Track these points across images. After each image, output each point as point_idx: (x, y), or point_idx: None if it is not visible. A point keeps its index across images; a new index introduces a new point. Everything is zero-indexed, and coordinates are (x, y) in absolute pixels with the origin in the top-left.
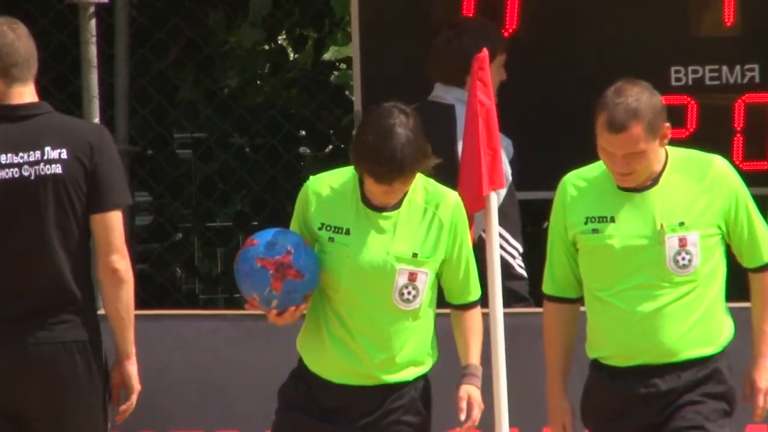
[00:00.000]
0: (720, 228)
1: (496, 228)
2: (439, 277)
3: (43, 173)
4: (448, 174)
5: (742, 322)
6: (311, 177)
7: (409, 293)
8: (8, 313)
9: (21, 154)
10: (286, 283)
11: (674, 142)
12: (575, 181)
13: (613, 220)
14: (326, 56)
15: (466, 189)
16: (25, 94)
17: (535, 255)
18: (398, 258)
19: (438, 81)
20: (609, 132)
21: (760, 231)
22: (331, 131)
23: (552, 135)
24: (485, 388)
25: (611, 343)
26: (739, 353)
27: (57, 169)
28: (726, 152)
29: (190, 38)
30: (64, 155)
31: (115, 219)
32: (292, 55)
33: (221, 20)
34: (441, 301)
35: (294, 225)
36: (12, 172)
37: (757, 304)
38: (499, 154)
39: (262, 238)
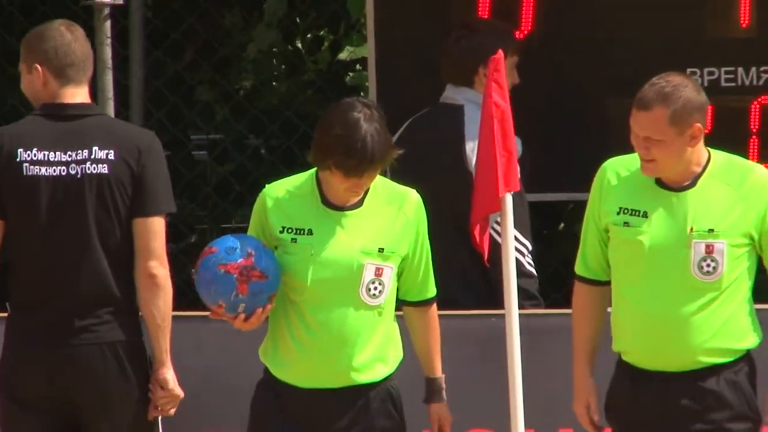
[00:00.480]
0: (752, 238)
1: (511, 230)
2: (398, 275)
3: (89, 172)
4: (456, 174)
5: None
6: (267, 185)
7: (375, 288)
8: (51, 313)
9: (69, 152)
10: (251, 285)
11: None
12: (616, 167)
13: (645, 215)
14: (341, 57)
15: (482, 190)
16: (78, 95)
17: (548, 257)
18: (365, 253)
19: (449, 81)
20: (636, 108)
21: None
22: None
23: (567, 137)
24: (501, 388)
25: (631, 341)
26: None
27: (103, 169)
28: (741, 154)
29: (205, 39)
30: (111, 156)
31: (157, 225)
32: (307, 56)
33: (237, 22)
34: None
35: (251, 233)
36: (59, 170)
37: None
38: (514, 156)
39: (221, 244)
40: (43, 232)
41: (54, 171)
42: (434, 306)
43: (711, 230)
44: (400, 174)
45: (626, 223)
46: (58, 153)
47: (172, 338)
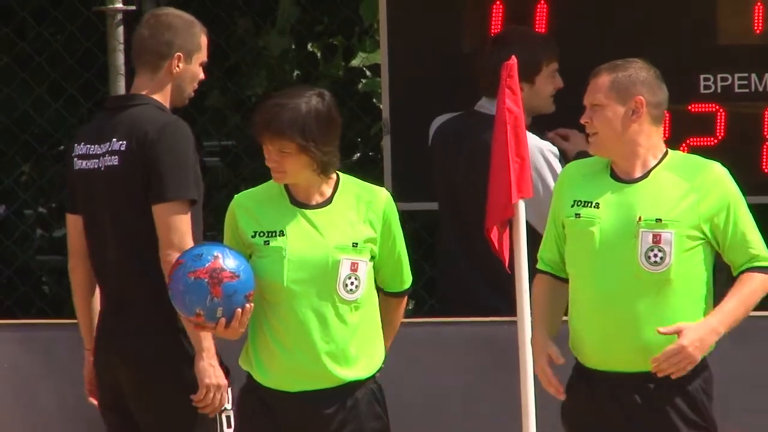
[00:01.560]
0: (704, 233)
1: (524, 236)
2: (374, 268)
3: (107, 164)
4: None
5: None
6: (235, 195)
7: (352, 283)
8: (103, 313)
9: (99, 145)
10: (224, 287)
11: (703, 150)
12: (576, 166)
13: (597, 206)
14: (354, 63)
15: (495, 197)
16: (137, 85)
17: None
18: (339, 249)
19: (484, 94)
20: (590, 79)
21: (753, 240)
22: (359, 139)
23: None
24: (514, 396)
25: (583, 338)
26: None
27: (115, 160)
28: (755, 160)
29: (217, 45)
30: (123, 147)
31: (168, 211)
32: (321, 62)
33: (249, 27)
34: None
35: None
36: (90, 164)
37: (734, 287)
38: (527, 162)
39: (187, 255)
40: (86, 225)
41: (90, 164)
42: (405, 298)
43: (659, 220)
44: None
45: (578, 215)
46: (94, 146)
47: None
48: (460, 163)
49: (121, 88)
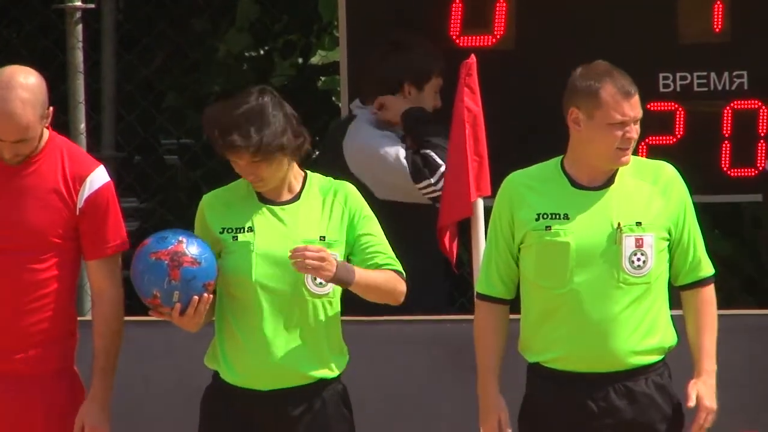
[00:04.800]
0: (670, 234)
1: (482, 234)
2: (349, 257)
3: None
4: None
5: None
6: (204, 195)
7: None
8: None
9: None
10: (183, 271)
11: (662, 149)
12: (522, 179)
13: (567, 217)
14: (313, 61)
15: (453, 195)
16: None
17: None
18: (307, 242)
19: (365, 95)
20: (625, 98)
21: (701, 244)
22: (317, 138)
23: (536, 142)
24: (473, 395)
25: (561, 345)
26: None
27: None
28: (714, 159)
29: (176, 44)
30: None
31: None
32: (279, 61)
33: (208, 27)
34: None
35: None
36: None
37: (695, 320)
38: (485, 160)
39: (153, 236)
40: None
41: None
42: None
43: (639, 223)
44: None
45: (548, 227)
46: None
47: (143, 343)
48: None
49: (80, 86)
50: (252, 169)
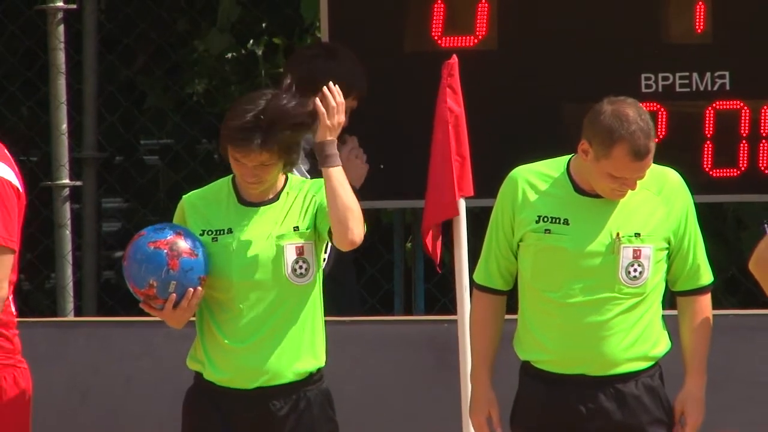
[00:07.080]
0: (669, 243)
1: (465, 234)
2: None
3: None
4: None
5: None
6: (184, 195)
7: (300, 267)
8: None
9: None
10: (182, 261)
11: None
12: (527, 176)
13: (567, 222)
14: None
15: (436, 196)
16: None
17: None
18: (281, 236)
19: None
20: (635, 160)
21: (701, 251)
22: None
23: (518, 142)
24: (455, 394)
25: (552, 348)
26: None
27: None
28: (696, 159)
29: (158, 45)
30: None
31: None
32: (261, 61)
33: (189, 27)
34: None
35: None
36: None
37: (689, 329)
38: (467, 161)
39: (149, 228)
40: None
41: None
42: None
43: (637, 234)
44: None
45: (547, 231)
46: None
47: (124, 344)
48: None
49: (61, 87)
50: (258, 171)
